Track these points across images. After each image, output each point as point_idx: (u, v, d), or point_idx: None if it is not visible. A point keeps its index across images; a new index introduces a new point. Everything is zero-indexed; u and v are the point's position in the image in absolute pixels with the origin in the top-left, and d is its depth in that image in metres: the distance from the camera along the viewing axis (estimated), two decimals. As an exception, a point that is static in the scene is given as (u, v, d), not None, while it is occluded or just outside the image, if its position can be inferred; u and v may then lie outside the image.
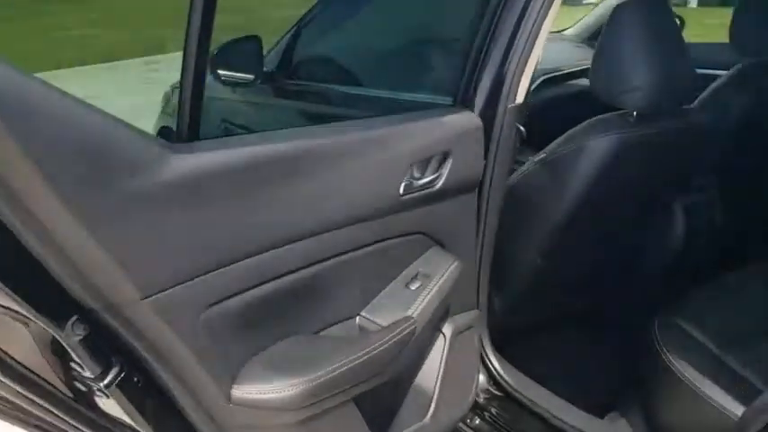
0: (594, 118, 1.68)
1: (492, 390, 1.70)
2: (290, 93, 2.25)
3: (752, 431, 1.20)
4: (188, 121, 1.03)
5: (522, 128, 1.68)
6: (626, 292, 2.16)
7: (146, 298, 0.95)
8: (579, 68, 2.72)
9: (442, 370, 1.50)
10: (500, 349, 1.78)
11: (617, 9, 1.61)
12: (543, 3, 1.45)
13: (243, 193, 1.05)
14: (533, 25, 1.46)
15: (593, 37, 2.93)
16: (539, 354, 1.95)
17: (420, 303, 1.34)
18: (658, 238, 2.05)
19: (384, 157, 1.26)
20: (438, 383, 1.50)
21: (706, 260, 2.19)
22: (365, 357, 1.20)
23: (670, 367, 1.45)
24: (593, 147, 1.60)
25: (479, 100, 1.50)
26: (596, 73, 1.65)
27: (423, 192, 1.36)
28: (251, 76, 2.16)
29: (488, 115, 1.50)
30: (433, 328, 1.47)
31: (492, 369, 1.71)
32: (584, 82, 2.74)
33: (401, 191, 1.31)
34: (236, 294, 1.09)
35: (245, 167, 1.05)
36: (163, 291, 0.97)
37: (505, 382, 1.69)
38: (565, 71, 2.87)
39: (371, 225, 1.28)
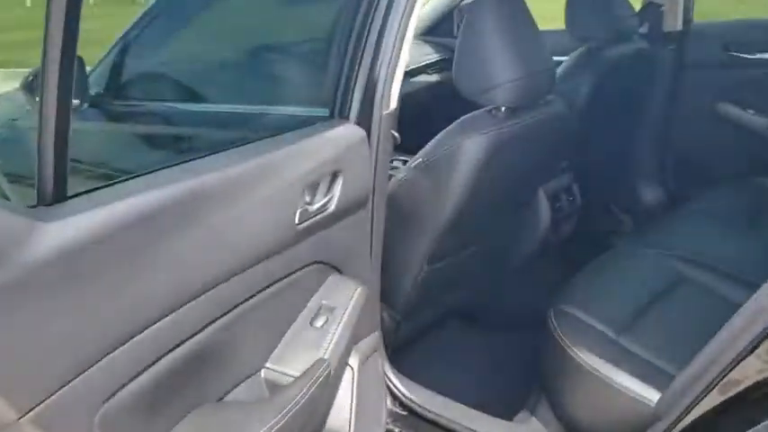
0: (464, 117, 1.65)
1: (398, 411, 1.62)
2: (124, 115, 2.00)
3: (671, 417, 1.22)
4: (52, 176, 0.83)
5: (396, 134, 1.61)
6: (506, 284, 2.19)
7: (24, 416, 0.75)
8: (421, 64, 2.70)
9: (353, 405, 1.40)
10: (400, 366, 1.71)
11: (470, 6, 1.59)
12: (407, 3, 1.38)
13: (126, 256, 0.88)
14: (399, 27, 1.38)
15: (428, 32, 2.92)
16: (439, 363, 1.90)
17: (329, 341, 1.23)
18: (527, 225, 2.08)
19: (275, 185, 1.13)
20: (351, 421, 1.39)
21: (572, 239, 2.28)
22: (282, 422, 1.06)
23: (574, 359, 1.46)
24: (468, 147, 1.57)
25: (355, 109, 1.40)
26: (460, 72, 1.62)
27: (317, 217, 1.24)
28: (75, 101, 1.89)
29: (365, 124, 1.41)
30: (343, 363, 1.36)
31: (395, 389, 1.63)
32: (427, 78, 2.74)
33: (297, 219, 1.18)
34: (132, 379, 0.91)
35: (126, 225, 0.87)
36: (44, 401, 0.77)
37: (409, 400, 1.62)
38: (408, 68, 2.84)
39: (269, 264, 1.14)
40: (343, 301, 1.30)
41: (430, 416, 1.58)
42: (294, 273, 1.23)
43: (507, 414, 1.64)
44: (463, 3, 1.62)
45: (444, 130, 1.64)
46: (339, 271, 1.39)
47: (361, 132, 1.36)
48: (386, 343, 1.68)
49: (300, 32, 1.71)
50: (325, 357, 1.20)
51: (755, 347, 1.09)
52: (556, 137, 1.81)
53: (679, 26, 2.53)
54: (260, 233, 1.11)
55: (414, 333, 1.93)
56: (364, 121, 1.41)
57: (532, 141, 1.72)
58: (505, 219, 1.95)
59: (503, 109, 1.62)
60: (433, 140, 1.64)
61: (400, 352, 1.91)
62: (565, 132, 1.83)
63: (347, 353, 1.32)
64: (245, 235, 1.07)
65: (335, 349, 1.22)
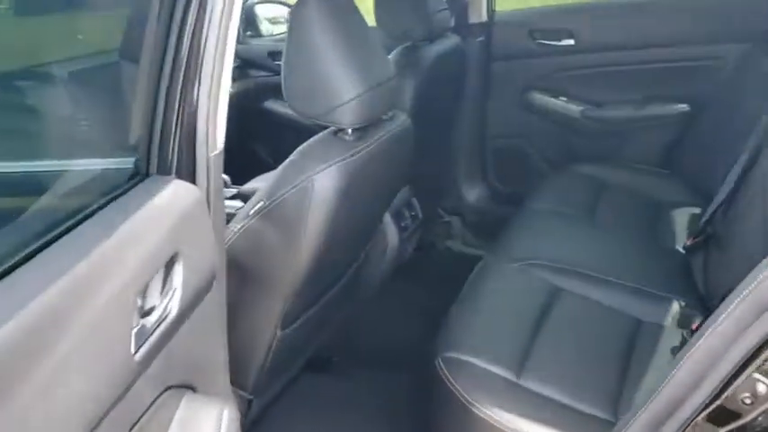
0: (307, 145, 1.36)
1: None
2: None
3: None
4: None
5: (227, 177, 1.27)
6: (360, 320, 1.94)
7: None
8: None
9: None
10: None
11: (295, 11, 1.29)
12: (224, 10, 1.04)
13: None
14: (217, 41, 1.04)
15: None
16: (303, 424, 1.61)
17: None
18: (376, 252, 1.84)
19: (93, 308, 0.74)
20: None
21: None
22: None
23: (482, 418, 1.24)
24: (320, 182, 1.28)
25: (174, 156, 1.03)
26: (293, 91, 1.33)
27: (158, 331, 0.86)
28: None
29: (188, 175, 1.04)
30: None
31: None
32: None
33: (132, 347, 0.80)
34: None
35: None
36: None
37: None
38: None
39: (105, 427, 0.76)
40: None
41: None
42: (139, 420, 0.85)
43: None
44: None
45: (285, 164, 1.33)
46: (194, 389, 1.02)
47: (195, 192, 0.99)
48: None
49: (82, 52, 1.26)
50: None
51: (709, 404, 0.94)
52: (403, 153, 1.58)
53: (484, 17, 2.43)
54: (81, 395, 0.71)
55: (267, 406, 1.60)
56: (186, 170, 1.04)
57: (384, 163, 1.47)
58: (359, 252, 1.68)
59: (350, 131, 1.34)
60: (273, 178, 1.32)
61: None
62: (409, 146, 1.61)
63: None
64: (60, 405, 0.68)
65: None
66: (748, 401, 0.91)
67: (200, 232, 0.98)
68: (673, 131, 2.32)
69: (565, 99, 2.43)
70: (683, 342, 1.48)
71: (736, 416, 0.92)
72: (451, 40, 2.21)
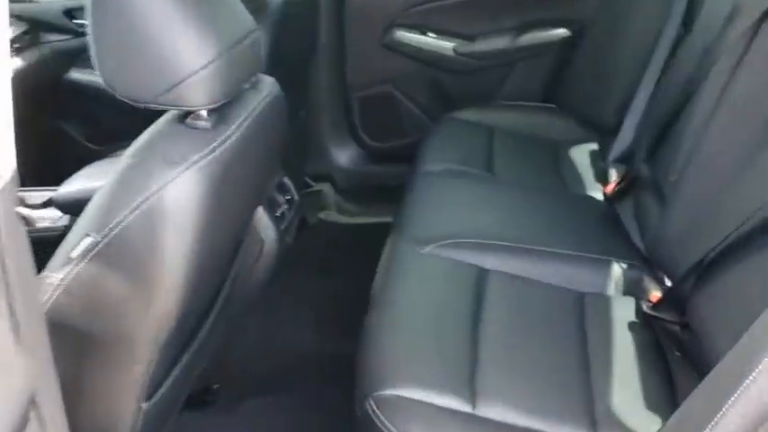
0: (144, 140, 0.94)
1: None
2: None
3: None
4: None
5: (23, 211, 0.84)
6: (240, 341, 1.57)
7: None
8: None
9: None
10: None
11: None
12: None
13: None
14: None
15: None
16: None
17: None
18: (250, 257, 1.46)
19: None
20: None
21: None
22: None
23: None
24: (170, 198, 0.88)
25: None
26: (110, 68, 0.92)
27: None
28: None
29: None
30: None
31: None
32: None
33: None
34: None
35: None
36: None
37: None
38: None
39: None
40: None
41: None
42: None
43: None
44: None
45: (115, 177, 0.91)
46: None
47: None
48: None
49: None
50: None
51: None
52: (280, 125, 1.20)
53: (330, -55, 2.03)
54: None
55: None
56: None
57: (256, 148, 1.09)
58: (229, 268, 1.29)
59: (205, 113, 0.94)
60: (102, 198, 0.90)
61: None
62: (284, 118, 1.22)
63: None
64: None
65: None
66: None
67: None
68: (553, 62, 2.09)
69: (434, 35, 2.11)
70: (638, 311, 1.27)
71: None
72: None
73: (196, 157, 0.90)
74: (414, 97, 2.21)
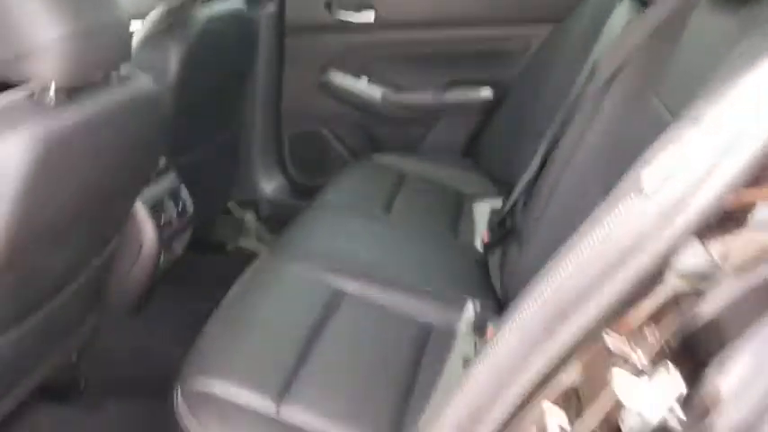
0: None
1: None
2: None
3: None
4: None
5: None
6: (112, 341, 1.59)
7: None
8: None
9: None
10: None
11: None
12: None
13: None
14: None
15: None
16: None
17: None
18: (127, 255, 1.49)
19: None
20: None
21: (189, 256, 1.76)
22: None
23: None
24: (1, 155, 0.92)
25: None
26: None
27: None
28: None
29: None
30: None
31: None
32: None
33: None
34: None
35: None
36: None
37: None
38: None
39: None
40: None
41: None
42: None
43: None
44: None
45: None
46: None
47: None
48: None
49: None
50: None
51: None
52: (144, 127, 1.25)
53: (273, -17, 2.14)
54: None
55: None
56: None
57: (110, 134, 1.14)
58: (90, 251, 1.32)
59: (52, 91, 0.99)
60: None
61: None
62: (155, 119, 1.28)
63: None
64: None
65: None
66: (535, 440, 0.69)
67: None
68: (476, 119, 2.18)
69: (367, 79, 2.20)
70: (476, 350, 1.29)
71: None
72: (230, 5, 1.90)
73: (30, 123, 0.95)
74: (342, 139, 2.29)
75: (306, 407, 1.07)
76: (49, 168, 0.98)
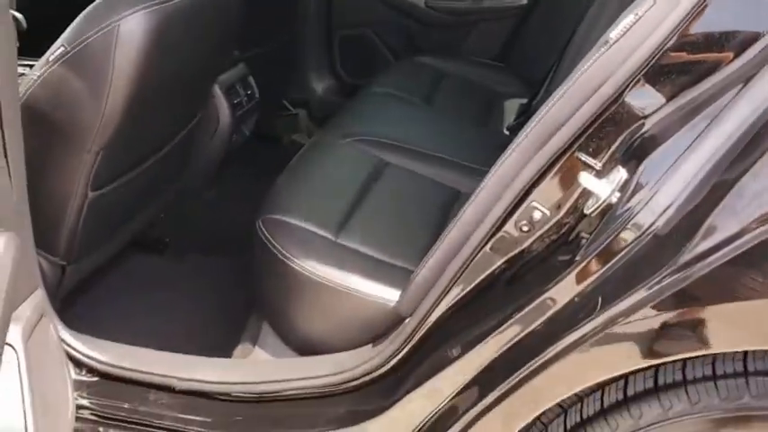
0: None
1: (85, 378, 1.26)
2: None
3: (419, 314, 1.10)
4: None
5: (18, 14, 1.17)
6: (193, 200, 1.88)
7: None
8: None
9: (26, 393, 1.00)
10: (77, 321, 1.33)
11: None
12: None
13: None
14: None
15: None
16: (128, 305, 1.56)
17: None
18: (206, 126, 1.79)
19: None
20: (28, 413, 1.00)
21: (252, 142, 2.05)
22: None
23: (298, 270, 1.26)
24: (126, 28, 1.20)
25: None
26: None
27: None
28: None
29: None
30: None
31: (75, 353, 1.25)
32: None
33: None
34: None
35: None
36: None
37: (96, 361, 1.26)
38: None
39: None
40: None
41: (126, 374, 1.25)
42: None
43: (222, 351, 1.39)
44: None
45: (88, 9, 1.24)
46: None
47: None
48: (51, 297, 1.27)
49: None
50: None
51: (493, 235, 1.00)
52: (224, 17, 1.52)
53: None
54: None
55: (85, 276, 1.54)
56: None
57: (201, 22, 1.41)
58: (182, 119, 1.61)
59: None
60: (75, 23, 1.23)
61: (74, 303, 1.52)
62: (232, 15, 1.54)
63: (3, 331, 0.91)
64: None
65: None
66: (525, 229, 0.97)
67: None
68: (510, 24, 2.38)
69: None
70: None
71: (515, 243, 0.99)
72: None
73: (146, 4, 1.22)
74: (387, 41, 2.52)
75: (357, 237, 1.35)
76: (162, 40, 1.25)
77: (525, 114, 1.83)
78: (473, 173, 1.67)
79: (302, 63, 2.55)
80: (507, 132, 1.90)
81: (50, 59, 1.21)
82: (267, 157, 2.27)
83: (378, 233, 1.39)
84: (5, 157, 1.02)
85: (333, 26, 2.52)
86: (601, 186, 0.88)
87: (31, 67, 1.31)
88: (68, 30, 1.22)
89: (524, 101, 2.18)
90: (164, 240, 1.92)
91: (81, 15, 1.23)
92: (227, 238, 1.91)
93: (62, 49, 1.21)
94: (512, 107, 2.17)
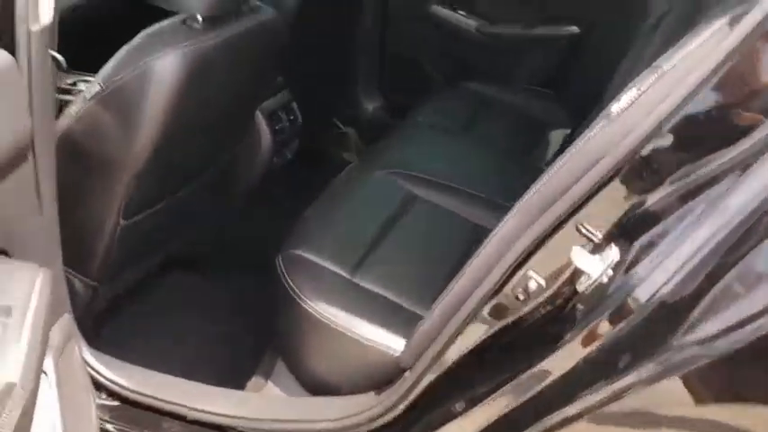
0: (150, 30, 1.32)
1: (108, 403, 1.32)
2: None
3: (419, 368, 1.10)
4: None
5: (58, 56, 1.24)
6: (230, 222, 1.94)
7: None
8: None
9: (56, 417, 1.06)
10: (104, 343, 1.39)
11: None
12: None
13: None
14: None
15: None
16: (156, 327, 1.62)
17: (13, 357, 0.87)
18: (247, 153, 1.84)
19: None
20: None
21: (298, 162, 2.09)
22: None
23: (308, 309, 1.28)
24: (161, 66, 1.25)
25: None
26: None
27: None
28: None
29: (6, 46, 1.01)
30: (38, 376, 1.00)
31: (98, 377, 1.31)
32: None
33: None
34: None
35: None
36: None
37: (118, 386, 1.31)
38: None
39: None
40: (22, 295, 0.94)
41: (146, 401, 1.30)
42: None
43: (238, 381, 1.43)
44: None
45: (126, 48, 1.30)
46: (6, 253, 1.02)
47: (6, 57, 0.96)
48: (79, 318, 1.34)
49: None
50: (15, 380, 0.85)
51: (490, 299, 0.99)
52: (266, 50, 1.55)
53: None
54: None
55: (118, 293, 1.61)
56: (6, 46, 1.00)
57: (240, 56, 1.45)
58: (221, 148, 1.67)
59: (200, 19, 1.31)
60: (111, 61, 1.29)
61: (104, 321, 1.59)
62: (276, 44, 1.58)
63: (41, 362, 0.97)
64: None
65: (27, 364, 0.88)
66: (521, 297, 0.96)
67: (8, 98, 0.95)
68: (560, 53, 2.34)
69: (464, 13, 2.41)
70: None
71: (511, 310, 0.98)
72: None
73: (184, 44, 1.27)
74: (437, 65, 2.52)
75: (374, 277, 1.37)
76: (196, 78, 1.30)
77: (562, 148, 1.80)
78: (502, 210, 1.66)
79: (353, 82, 2.58)
80: (545, 168, 1.87)
81: (88, 98, 1.28)
82: (313, 178, 2.32)
83: (394, 273, 1.40)
84: (38, 197, 1.09)
85: (387, 47, 2.54)
86: (593, 265, 0.86)
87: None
88: (104, 68, 1.28)
89: (569, 131, 2.14)
90: (200, 261, 1.98)
91: (121, 52, 1.29)
92: (260, 256, 1.95)
93: (98, 89, 1.27)
94: (557, 138, 2.13)
